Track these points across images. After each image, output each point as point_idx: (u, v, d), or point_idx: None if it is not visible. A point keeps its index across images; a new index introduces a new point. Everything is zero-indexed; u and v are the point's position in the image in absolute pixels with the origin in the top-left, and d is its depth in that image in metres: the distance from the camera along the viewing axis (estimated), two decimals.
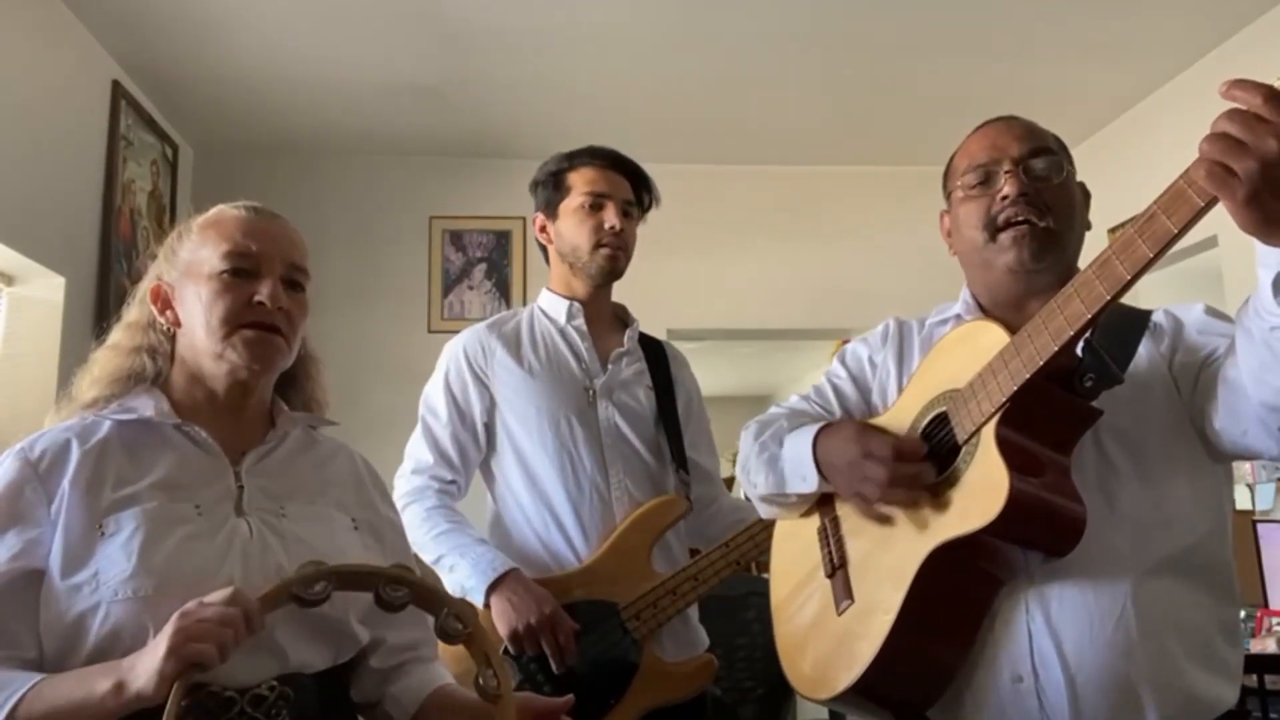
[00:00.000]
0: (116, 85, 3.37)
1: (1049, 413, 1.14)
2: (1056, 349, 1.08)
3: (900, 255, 4.25)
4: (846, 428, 1.30)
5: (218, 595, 0.94)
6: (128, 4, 3.04)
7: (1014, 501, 1.06)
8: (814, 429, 1.33)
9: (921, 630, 1.17)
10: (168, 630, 0.91)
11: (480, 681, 1.05)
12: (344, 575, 1.04)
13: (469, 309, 4.22)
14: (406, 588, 1.05)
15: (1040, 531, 1.11)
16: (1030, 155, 1.30)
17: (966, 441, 1.17)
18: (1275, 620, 2.77)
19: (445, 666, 1.28)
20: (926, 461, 1.20)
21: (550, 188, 1.96)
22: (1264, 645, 2.65)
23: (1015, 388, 1.11)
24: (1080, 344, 1.11)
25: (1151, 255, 0.98)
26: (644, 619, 1.78)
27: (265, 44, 3.31)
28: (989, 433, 1.13)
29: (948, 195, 1.41)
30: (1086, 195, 1.37)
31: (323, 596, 1.01)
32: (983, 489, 1.11)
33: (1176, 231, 0.96)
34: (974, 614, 1.18)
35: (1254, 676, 2.33)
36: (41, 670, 0.99)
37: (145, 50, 3.33)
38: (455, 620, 1.06)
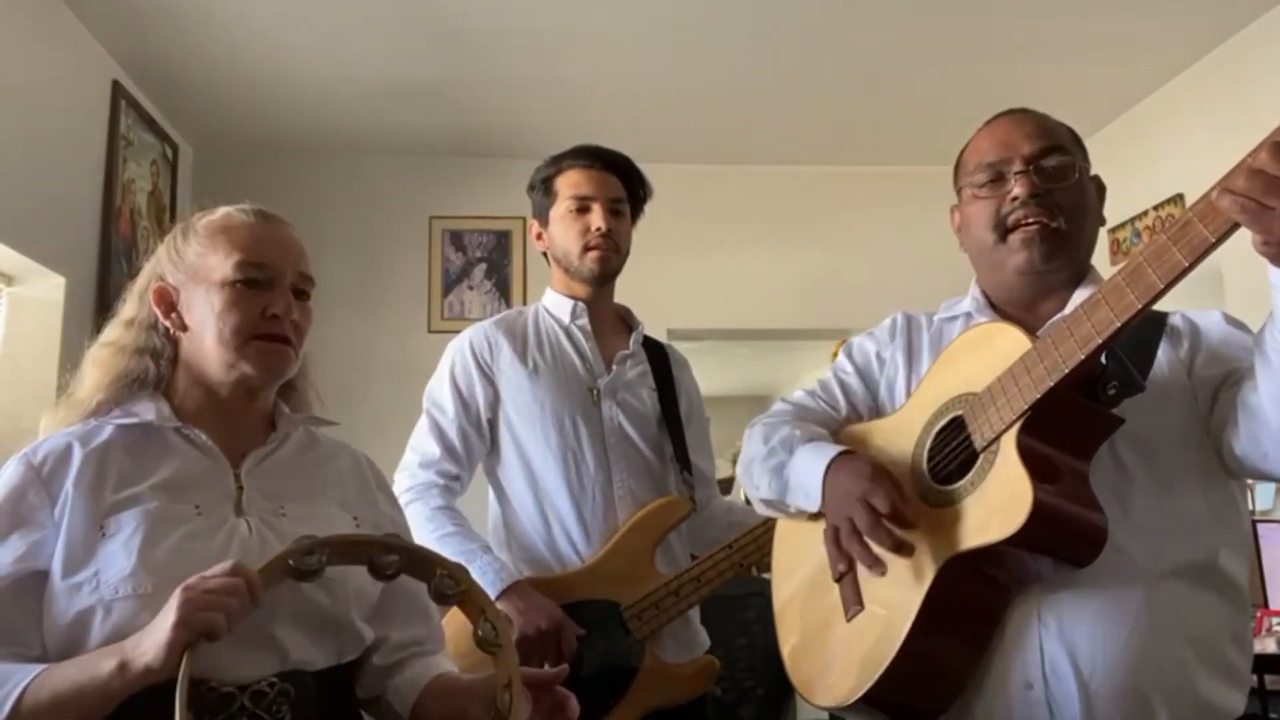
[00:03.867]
0: (116, 85, 3.37)
1: (1071, 421, 1.12)
2: (1083, 357, 1.06)
3: (900, 255, 4.24)
4: (864, 466, 1.26)
5: (220, 568, 0.96)
6: (128, 4, 3.03)
7: (1037, 513, 1.05)
8: (832, 452, 1.30)
9: (936, 639, 1.15)
10: (173, 604, 0.92)
11: (479, 634, 1.06)
12: (337, 545, 1.04)
13: (469, 309, 4.22)
14: (398, 554, 1.06)
15: (1062, 542, 1.10)
16: (1041, 154, 1.28)
17: (985, 449, 1.15)
18: (1275, 620, 2.77)
19: (452, 663, 1.28)
20: (906, 538, 1.18)
21: (541, 194, 1.96)
22: (1264, 645, 2.64)
23: (1038, 395, 1.09)
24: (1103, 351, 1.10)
25: (1187, 264, 0.96)
26: (646, 619, 1.78)
27: (265, 44, 3.31)
28: (1009, 441, 1.11)
29: (958, 191, 1.39)
30: (1101, 189, 1.35)
31: (317, 567, 1.01)
32: (1004, 499, 1.09)
33: (1214, 240, 0.94)
34: (988, 622, 1.17)
35: (1254, 676, 2.33)
36: None
37: (145, 50, 3.32)
38: (449, 579, 1.07)
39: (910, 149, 4.18)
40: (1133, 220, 3.72)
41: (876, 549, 1.18)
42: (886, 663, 1.15)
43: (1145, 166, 3.70)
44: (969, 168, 1.34)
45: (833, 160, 4.41)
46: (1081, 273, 1.31)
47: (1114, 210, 4.42)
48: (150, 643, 0.92)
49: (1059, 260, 1.27)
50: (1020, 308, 1.32)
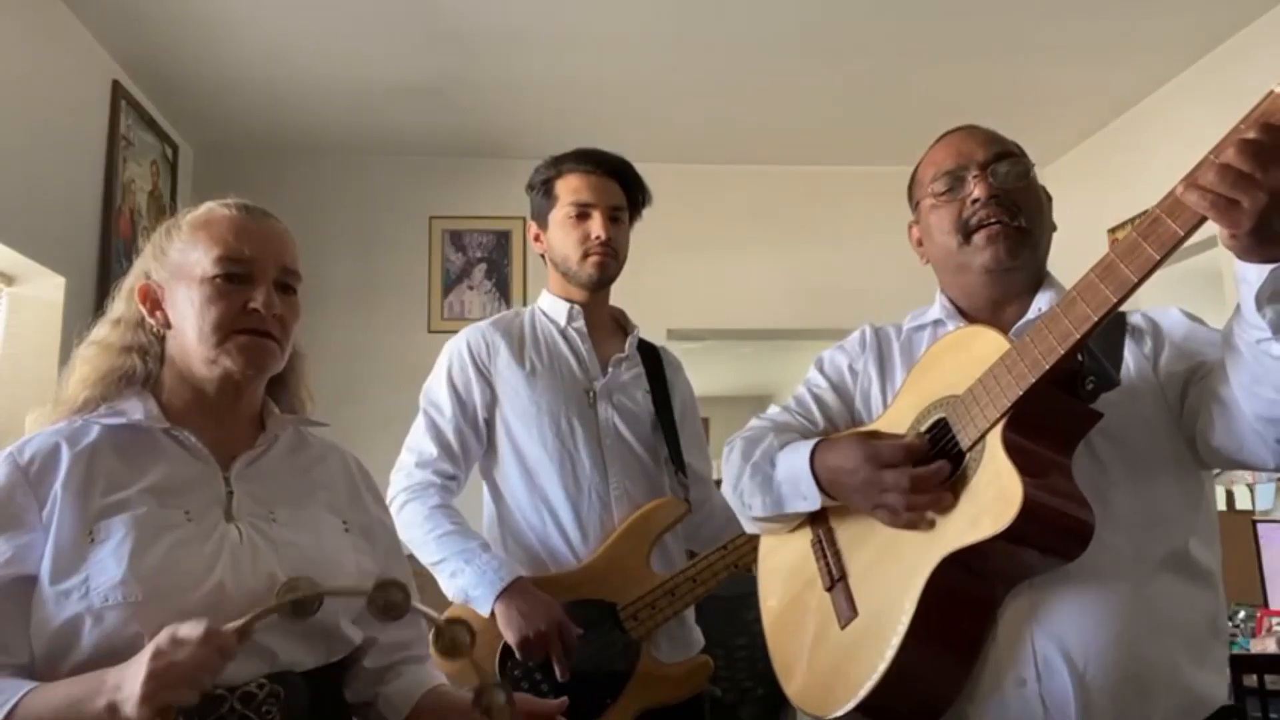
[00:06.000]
0: (116, 85, 3.37)
1: (1054, 417, 1.13)
2: (1064, 352, 1.07)
3: (899, 255, 4.18)
4: (845, 440, 1.28)
5: (190, 631, 0.92)
6: (128, 4, 3.04)
7: (1027, 507, 1.06)
8: (808, 446, 1.31)
9: (932, 640, 1.16)
10: (141, 671, 0.90)
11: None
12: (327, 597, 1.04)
13: (469, 309, 4.22)
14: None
15: (1051, 536, 1.10)
16: (995, 159, 1.32)
17: (971, 447, 1.16)
18: (1275, 620, 2.77)
19: (439, 667, 1.28)
20: (940, 459, 1.18)
21: (540, 195, 1.96)
22: (1264, 645, 2.65)
23: (1021, 392, 1.10)
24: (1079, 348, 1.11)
25: (1158, 258, 0.98)
26: (641, 619, 1.78)
27: (265, 44, 3.31)
28: (995, 438, 1.12)
29: (915, 206, 1.43)
30: (1048, 198, 1.39)
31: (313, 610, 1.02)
32: (993, 495, 1.10)
33: (1183, 234, 0.96)
34: (982, 621, 1.17)
35: (1254, 676, 2.33)
36: (32, 675, 0.99)
37: (145, 50, 3.33)
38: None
39: (910, 149, 4.14)
40: (1133, 220, 3.71)
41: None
42: (885, 666, 1.15)
43: (1145, 166, 3.70)
44: (926, 180, 1.38)
45: (833, 160, 4.41)
46: (1040, 277, 1.35)
47: (1114, 210, 4.39)
48: (128, 692, 0.90)
49: (1022, 257, 1.30)
50: (986, 311, 1.34)
